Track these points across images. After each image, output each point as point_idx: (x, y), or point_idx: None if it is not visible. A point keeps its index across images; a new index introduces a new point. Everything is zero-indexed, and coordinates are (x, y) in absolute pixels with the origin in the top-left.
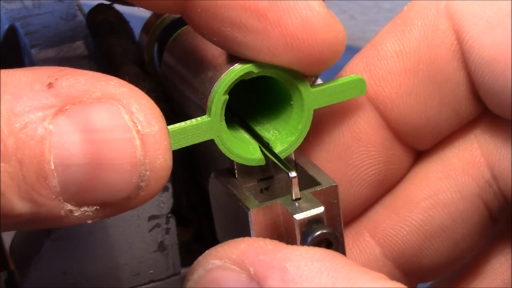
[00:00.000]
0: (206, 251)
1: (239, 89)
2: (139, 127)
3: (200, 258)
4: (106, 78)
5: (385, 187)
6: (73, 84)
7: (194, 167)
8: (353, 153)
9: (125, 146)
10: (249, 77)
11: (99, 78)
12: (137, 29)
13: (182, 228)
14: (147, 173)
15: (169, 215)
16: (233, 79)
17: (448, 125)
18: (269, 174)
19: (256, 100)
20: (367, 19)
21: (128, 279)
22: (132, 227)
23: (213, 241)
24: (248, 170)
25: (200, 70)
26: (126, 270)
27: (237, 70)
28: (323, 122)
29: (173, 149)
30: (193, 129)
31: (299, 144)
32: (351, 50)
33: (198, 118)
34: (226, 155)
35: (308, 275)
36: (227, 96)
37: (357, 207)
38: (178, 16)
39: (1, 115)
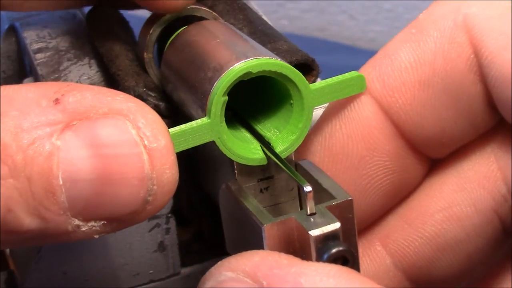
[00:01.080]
0: (219, 262)
1: (239, 88)
2: (146, 142)
3: (212, 268)
4: (112, 93)
5: (399, 197)
6: (80, 99)
7: (194, 167)
8: (367, 163)
9: (133, 161)
10: (248, 77)
11: (105, 93)
12: (137, 29)
13: (182, 228)
14: (155, 187)
15: (169, 215)
16: (232, 80)
17: (464, 135)
18: (269, 174)
19: (257, 99)
20: (367, 19)
21: (128, 279)
22: (132, 227)
23: (213, 241)
24: (248, 170)
25: (199, 70)
26: (126, 270)
27: (236, 70)
28: (336, 133)
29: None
30: (194, 132)
31: (300, 143)
32: (351, 50)
33: (198, 120)
34: (227, 155)
35: None
36: (226, 97)
37: (370, 217)
38: (178, 16)
39: (10, 131)
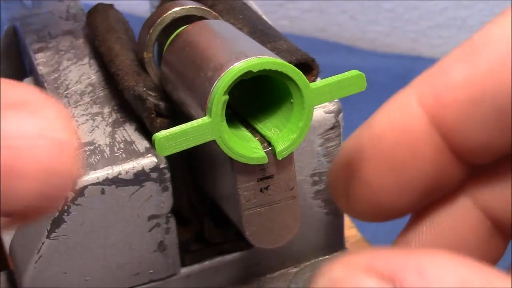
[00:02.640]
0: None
1: (239, 87)
2: (49, 134)
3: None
4: (17, 85)
5: (435, 196)
6: None
7: (194, 167)
8: (408, 167)
9: (35, 153)
10: (249, 76)
11: (10, 84)
12: (137, 29)
13: (182, 228)
14: (55, 181)
15: (169, 215)
16: (232, 80)
17: (506, 147)
18: (269, 173)
19: (257, 98)
20: (367, 19)
21: (128, 279)
22: (131, 226)
23: (213, 241)
24: (248, 169)
25: (199, 69)
26: (126, 270)
27: (236, 70)
28: (387, 138)
29: (175, 151)
30: (194, 131)
31: (300, 142)
32: (351, 50)
33: (199, 120)
34: (228, 155)
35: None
36: (227, 96)
37: (405, 210)
38: (178, 15)
39: None
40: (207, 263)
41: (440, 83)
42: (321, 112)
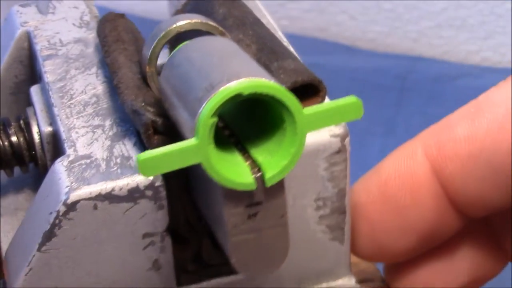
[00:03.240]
0: None
1: (241, 106)
2: None
3: None
4: None
5: (434, 242)
6: None
7: (190, 185)
8: (409, 212)
9: None
10: (240, 99)
11: None
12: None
13: (179, 247)
14: None
15: (165, 233)
16: (221, 102)
17: (502, 203)
18: (258, 200)
19: (256, 119)
20: (367, 19)
21: None
22: (125, 244)
23: (211, 262)
24: (236, 195)
25: (192, 89)
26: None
27: (225, 92)
28: (391, 182)
29: (159, 173)
30: (180, 153)
31: (291, 168)
32: (351, 50)
33: (186, 141)
34: (215, 178)
35: None
36: (215, 119)
37: (405, 253)
38: (183, 30)
39: None
40: (204, 284)
41: (444, 137)
42: (327, 135)
